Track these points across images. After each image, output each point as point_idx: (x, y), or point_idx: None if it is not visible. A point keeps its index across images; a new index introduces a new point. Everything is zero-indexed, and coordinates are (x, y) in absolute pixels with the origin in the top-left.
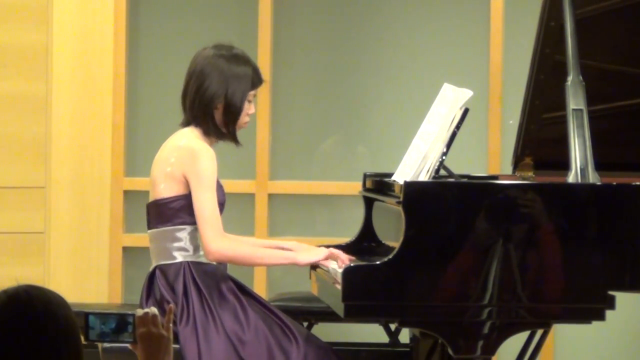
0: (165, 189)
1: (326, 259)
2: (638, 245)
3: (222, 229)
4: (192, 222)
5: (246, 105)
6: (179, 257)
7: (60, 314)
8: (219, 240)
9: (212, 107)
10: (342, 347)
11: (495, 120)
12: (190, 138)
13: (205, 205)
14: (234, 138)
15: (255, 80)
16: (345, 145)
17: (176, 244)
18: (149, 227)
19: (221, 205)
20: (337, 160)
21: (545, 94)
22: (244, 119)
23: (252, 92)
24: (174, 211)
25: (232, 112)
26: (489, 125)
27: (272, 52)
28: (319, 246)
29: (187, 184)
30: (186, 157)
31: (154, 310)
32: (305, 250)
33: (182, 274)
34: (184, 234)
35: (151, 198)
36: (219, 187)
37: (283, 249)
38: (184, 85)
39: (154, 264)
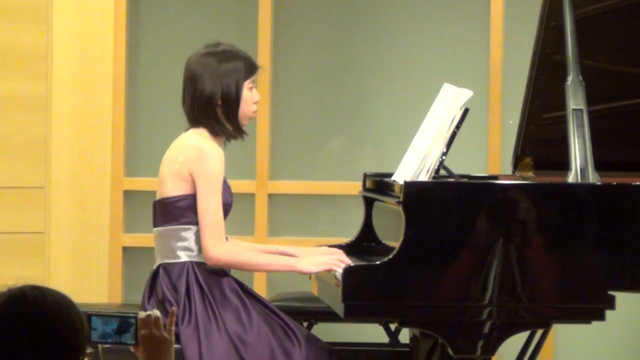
0: (172, 187)
1: (326, 270)
2: (638, 245)
3: (224, 234)
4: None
5: (246, 94)
6: (184, 256)
7: (55, 315)
8: (219, 246)
9: (212, 107)
10: (342, 347)
11: (495, 120)
12: (198, 138)
13: (209, 208)
14: (239, 131)
15: (249, 69)
16: (345, 145)
17: (181, 244)
18: (155, 225)
19: (228, 206)
20: (337, 160)
21: (545, 94)
22: (251, 107)
23: (248, 80)
24: (180, 210)
25: (231, 105)
26: (489, 125)
27: (272, 52)
28: (319, 247)
29: (194, 183)
30: (194, 156)
31: (156, 312)
32: (307, 258)
33: (185, 273)
34: (189, 233)
35: (158, 196)
36: (226, 188)
37: (286, 254)
38: (182, 92)
39: (157, 262)
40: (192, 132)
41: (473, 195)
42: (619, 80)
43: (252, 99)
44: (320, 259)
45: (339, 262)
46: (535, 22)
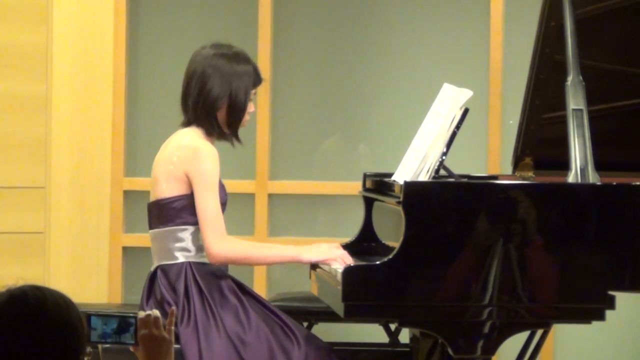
0: (167, 188)
1: (330, 259)
2: (638, 246)
3: (225, 231)
4: (194, 222)
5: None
6: (181, 257)
7: (56, 315)
8: (221, 243)
9: (216, 108)
10: (342, 347)
11: (495, 120)
12: (193, 137)
13: (208, 206)
14: (236, 137)
15: (256, 79)
16: (345, 145)
17: (178, 244)
18: (151, 227)
19: (223, 205)
20: (337, 160)
21: (545, 94)
22: (245, 117)
23: (252, 91)
24: (175, 211)
25: (237, 111)
26: (489, 125)
27: (272, 52)
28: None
29: (189, 184)
30: (189, 156)
31: (156, 312)
32: (309, 248)
33: (183, 274)
34: (186, 234)
35: (152, 198)
36: (221, 187)
37: None
38: (183, 86)
39: (155, 264)
40: (186, 131)
41: (473, 195)
42: (619, 80)
43: (249, 109)
44: (324, 247)
45: (342, 259)
46: (535, 22)
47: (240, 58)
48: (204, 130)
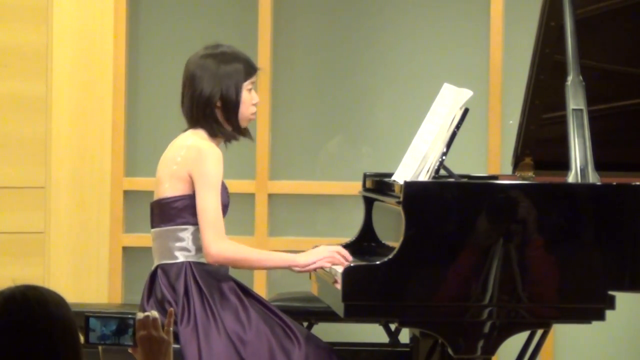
0: (169, 188)
1: (327, 260)
2: (638, 245)
3: (224, 231)
4: (195, 222)
5: (246, 95)
6: (181, 257)
7: (58, 315)
8: (219, 242)
9: (211, 108)
10: (342, 347)
11: (495, 120)
12: (197, 138)
13: (209, 206)
14: (240, 131)
15: (248, 71)
16: (345, 145)
17: (178, 244)
18: (152, 226)
19: (225, 207)
20: (337, 160)
21: (545, 94)
22: (250, 109)
23: (247, 82)
24: (177, 211)
25: (231, 108)
26: (489, 125)
27: (272, 52)
28: (317, 246)
29: (191, 184)
30: (193, 156)
31: (154, 313)
32: (306, 253)
33: (183, 273)
34: (186, 234)
35: (155, 197)
36: (224, 189)
37: None
38: (181, 93)
39: (155, 263)
40: (190, 133)
41: (473, 195)
42: (619, 80)
43: (251, 100)
44: (320, 249)
45: (338, 254)
46: (535, 22)
47: (228, 56)
48: (206, 132)
